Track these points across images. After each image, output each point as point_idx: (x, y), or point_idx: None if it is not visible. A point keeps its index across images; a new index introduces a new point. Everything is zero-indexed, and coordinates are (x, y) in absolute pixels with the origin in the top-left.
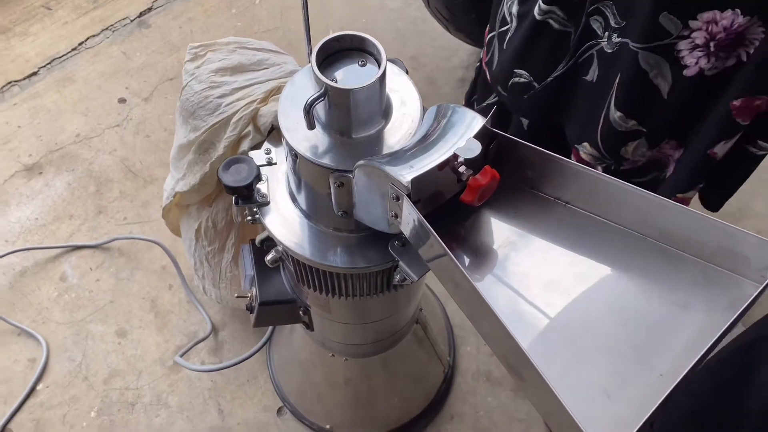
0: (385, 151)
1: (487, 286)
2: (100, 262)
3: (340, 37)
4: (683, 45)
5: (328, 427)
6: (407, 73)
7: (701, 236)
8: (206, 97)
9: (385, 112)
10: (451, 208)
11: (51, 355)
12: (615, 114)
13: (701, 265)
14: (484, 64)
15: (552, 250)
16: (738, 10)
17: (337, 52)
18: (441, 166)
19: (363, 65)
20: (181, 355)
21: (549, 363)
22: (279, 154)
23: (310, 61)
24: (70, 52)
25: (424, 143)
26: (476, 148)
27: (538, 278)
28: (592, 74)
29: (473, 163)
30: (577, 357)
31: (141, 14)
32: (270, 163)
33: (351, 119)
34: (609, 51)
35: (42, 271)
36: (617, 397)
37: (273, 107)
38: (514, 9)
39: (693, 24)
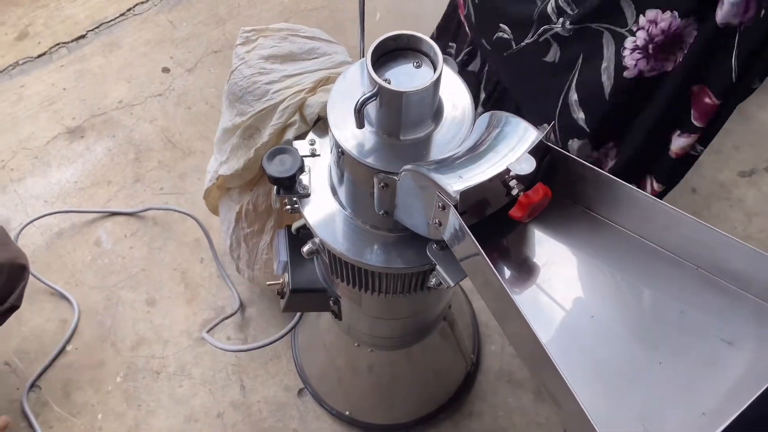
0: (433, 155)
1: (527, 302)
2: (134, 229)
3: (397, 36)
4: (628, 43)
5: (347, 413)
6: (459, 73)
7: (758, 273)
8: (255, 83)
9: (436, 116)
10: (497, 218)
11: (82, 317)
12: (573, 96)
13: (755, 303)
14: (463, 17)
15: (597, 271)
16: (676, 12)
17: (392, 51)
18: (491, 180)
19: (418, 66)
20: (208, 331)
21: (584, 385)
22: (323, 146)
23: (362, 57)
24: (118, 17)
25: (474, 153)
26: (530, 165)
27: (579, 299)
28: (553, 56)
29: (525, 178)
30: (614, 382)
31: None
32: (313, 155)
33: (401, 121)
34: (565, 35)
35: (78, 234)
36: (654, 429)
37: (321, 98)
38: None
39: (641, 20)
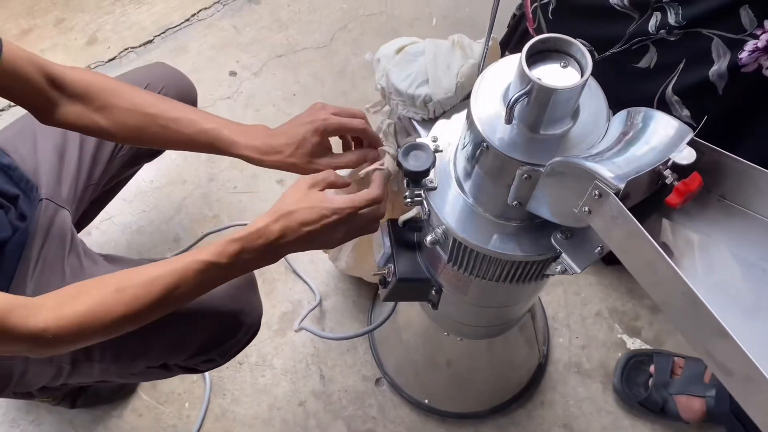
0: (571, 149)
1: None
2: (211, 226)
3: (545, 39)
4: (749, 46)
5: (426, 401)
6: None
7: None
8: None
9: (575, 113)
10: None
11: None
12: (672, 97)
13: None
14: (532, 30)
15: (738, 260)
16: None
17: (540, 52)
18: (654, 169)
19: (564, 67)
20: (300, 322)
21: None
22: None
23: (483, 59)
24: (183, 22)
25: (623, 146)
26: (692, 156)
27: (721, 286)
28: (648, 61)
29: (682, 169)
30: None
31: None
32: (436, 151)
33: (545, 117)
34: (670, 39)
35: (157, 232)
36: None
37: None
38: None
39: (767, 24)
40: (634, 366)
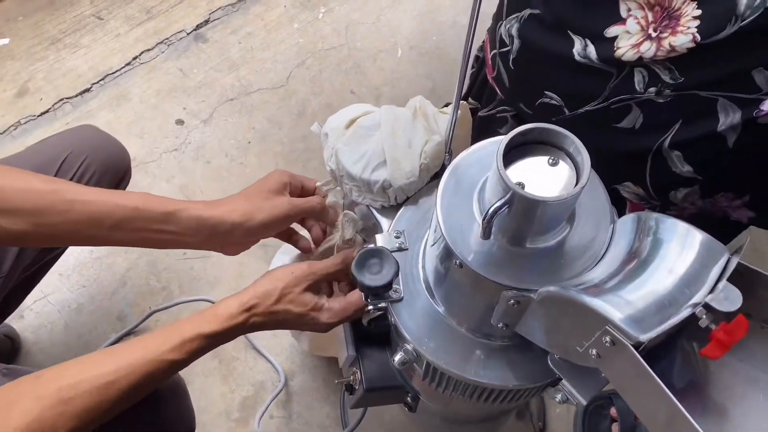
0: (568, 264)
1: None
2: (158, 302)
3: (529, 130)
4: (766, 105)
5: None
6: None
7: None
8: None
9: (570, 217)
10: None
11: None
12: (672, 152)
13: None
14: (491, 79)
15: None
16: None
17: (521, 145)
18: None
19: (554, 164)
20: (260, 418)
21: None
22: (408, 237)
23: (453, 122)
24: (124, 67)
25: (635, 270)
26: (738, 301)
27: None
28: (632, 122)
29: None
30: None
31: (197, 27)
32: (401, 249)
33: (532, 229)
34: (661, 101)
35: (99, 310)
36: None
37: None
38: (514, 30)
39: None
40: (593, 412)
